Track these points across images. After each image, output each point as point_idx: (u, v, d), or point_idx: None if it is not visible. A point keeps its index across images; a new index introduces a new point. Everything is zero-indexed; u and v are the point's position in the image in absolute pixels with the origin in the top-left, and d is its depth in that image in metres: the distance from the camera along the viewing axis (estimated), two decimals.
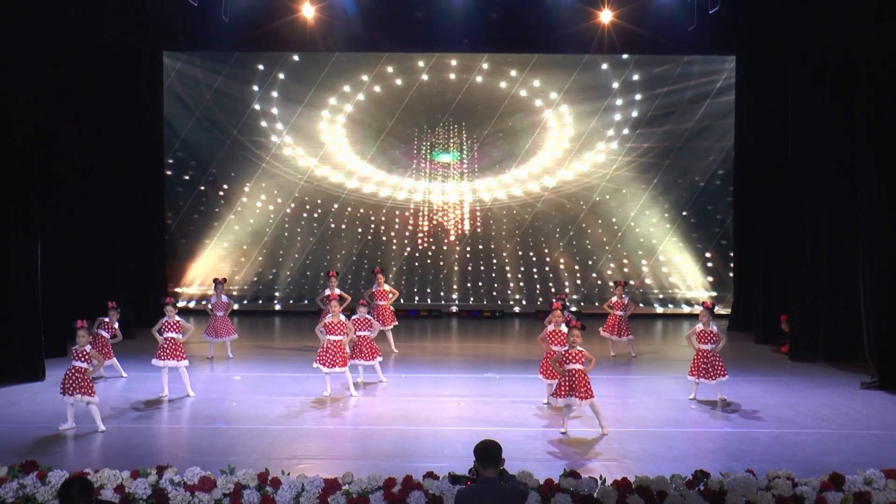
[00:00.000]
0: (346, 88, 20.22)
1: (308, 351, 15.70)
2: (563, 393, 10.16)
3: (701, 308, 12.18)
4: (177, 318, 12.13)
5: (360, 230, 20.54)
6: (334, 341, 12.04)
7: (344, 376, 12.19)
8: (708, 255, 20.35)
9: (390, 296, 15.39)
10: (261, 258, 20.52)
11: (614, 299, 15.25)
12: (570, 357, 10.23)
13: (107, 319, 13.14)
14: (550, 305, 12.14)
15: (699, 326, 11.94)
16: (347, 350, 12.27)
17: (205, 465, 8.23)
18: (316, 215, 20.50)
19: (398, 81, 20.26)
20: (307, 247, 20.51)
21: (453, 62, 20.16)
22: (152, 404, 11.60)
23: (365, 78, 20.20)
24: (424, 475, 7.96)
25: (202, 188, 20.34)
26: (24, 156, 13.05)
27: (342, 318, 12.26)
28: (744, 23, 17.22)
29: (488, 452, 5.95)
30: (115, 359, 13.18)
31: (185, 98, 20.05)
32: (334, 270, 16.08)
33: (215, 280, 15.34)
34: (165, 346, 11.94)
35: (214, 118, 20.20)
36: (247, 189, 20.40)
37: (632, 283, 19.77)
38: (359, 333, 12.73)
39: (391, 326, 15.33)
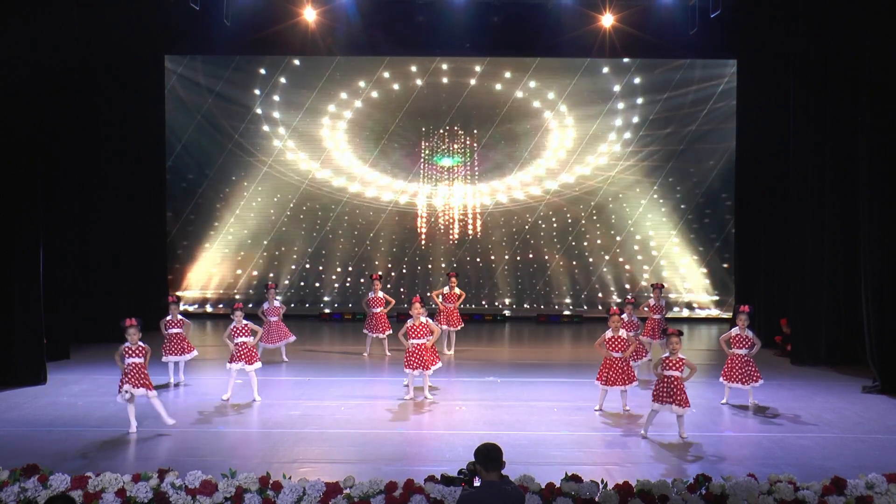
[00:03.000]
0: (348, 92, 20.24)
1: (311, 355, 15.71)
2: (662, 399, 10.18)
3: (740, 313, 11.93)
4: (244, 321, 12.10)
5: (360, 234, 20.54)
6: (418, 345, 12.09)
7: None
8: (709, 258, 20.34)
9: (458, 298, 16.03)
10: (262, 262, 20.53)
11: (651, 302, 15.17)
12: (670, 364, 10.24)
13: (170, 318, 12.97)
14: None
15: (735, 330, 11.88)
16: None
17: (206, 468, 8.24)
18: (317, 219, 20.50)
19: (400, 85, 20.27)
20: (308, 251, 20.52)
21: (455, 66, 20.17)
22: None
23: (366, 82, 20.21)
24: (426, 479, 7.96)
25: (203, 192, 20.35)
26: (26, 159, 13.06)
27: (423, 320, 12.24)
28: (745, 26, 17.26)
29: (491, 455, 5.96)
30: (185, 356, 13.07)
31: (187, 102, 20.07)
32: (377, 273, 16.68)
33: (267, 285, 15.43)
34: (237, 351, 11.91)
35: (216, 122, 20.22)
36: (248, 193, 20.41)
37: (631, 291, 19.74)
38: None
39: (459, 328, 16.03)
